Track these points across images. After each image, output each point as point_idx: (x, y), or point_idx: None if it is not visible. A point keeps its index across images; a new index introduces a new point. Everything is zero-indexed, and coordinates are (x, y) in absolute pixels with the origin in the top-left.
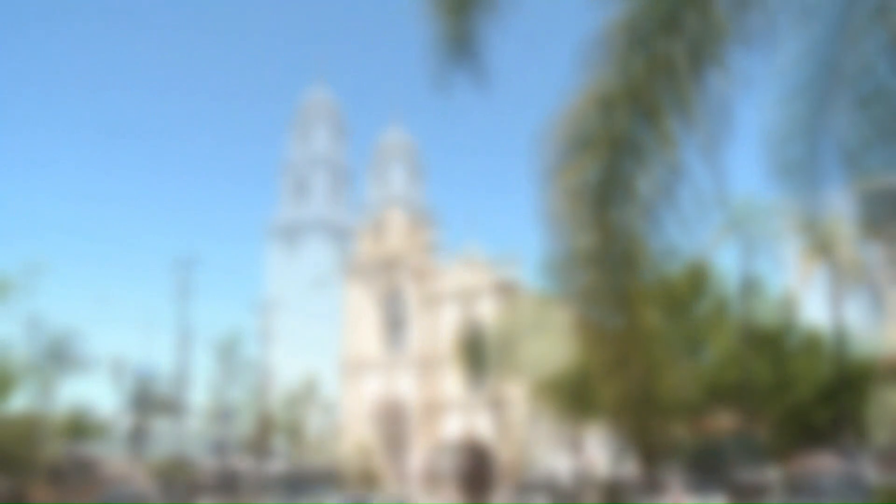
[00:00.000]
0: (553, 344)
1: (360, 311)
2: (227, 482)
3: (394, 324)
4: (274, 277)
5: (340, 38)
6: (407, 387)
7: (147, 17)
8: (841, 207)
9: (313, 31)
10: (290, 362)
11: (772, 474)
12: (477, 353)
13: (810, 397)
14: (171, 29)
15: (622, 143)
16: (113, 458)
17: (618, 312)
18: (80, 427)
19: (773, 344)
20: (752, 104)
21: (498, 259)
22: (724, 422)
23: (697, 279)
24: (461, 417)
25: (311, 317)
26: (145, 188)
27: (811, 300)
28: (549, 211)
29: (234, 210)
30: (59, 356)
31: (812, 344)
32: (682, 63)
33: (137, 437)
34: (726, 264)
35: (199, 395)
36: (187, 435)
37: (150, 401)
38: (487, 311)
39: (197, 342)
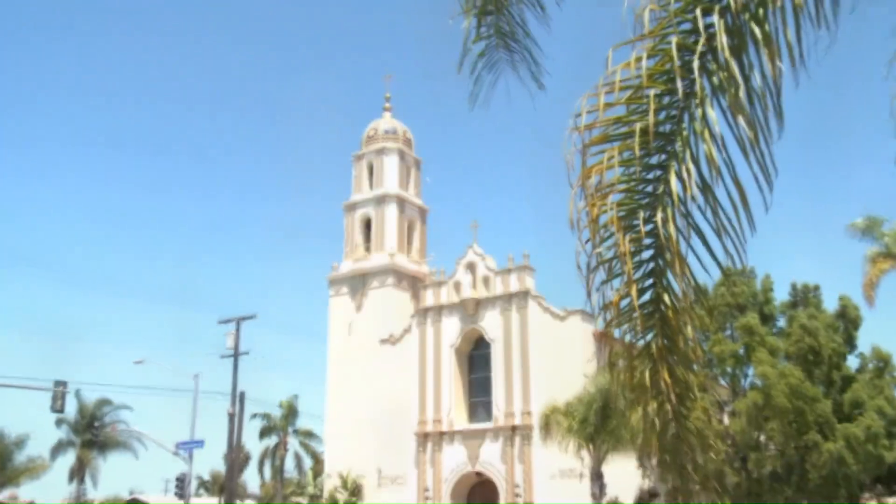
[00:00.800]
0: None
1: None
2: None
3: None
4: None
5: (408, 64)
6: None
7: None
8: None
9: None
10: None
11: None
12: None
13: None
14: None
15: (655, 135)
16: None
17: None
18: None
19: None
20: (812, 88)
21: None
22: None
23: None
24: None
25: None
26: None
27: None
28: (571, 215)
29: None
30: (94, 431)
31: None
32: (724, 40)
33: None
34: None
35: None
36: None
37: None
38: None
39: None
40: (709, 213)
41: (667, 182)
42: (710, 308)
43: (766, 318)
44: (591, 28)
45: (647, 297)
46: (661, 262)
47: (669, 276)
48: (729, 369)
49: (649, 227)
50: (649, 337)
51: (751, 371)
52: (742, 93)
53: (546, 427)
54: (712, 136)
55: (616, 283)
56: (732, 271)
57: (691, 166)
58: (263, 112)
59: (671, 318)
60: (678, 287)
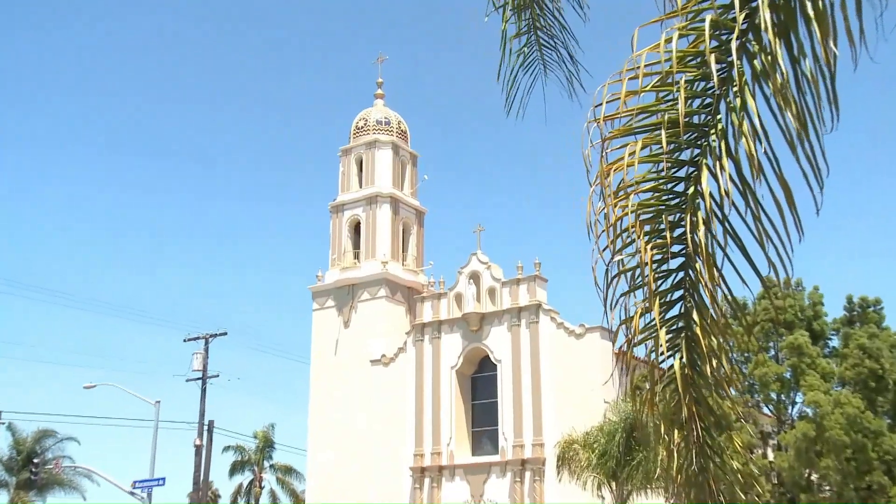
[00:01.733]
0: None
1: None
2: None
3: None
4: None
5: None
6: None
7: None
8: None
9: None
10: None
11: None
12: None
13: None
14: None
15: (686, 126)
16: None
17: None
18: None
19: None
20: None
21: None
22: None
23: None
24: None
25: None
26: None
27: None
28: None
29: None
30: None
31: None
32: (767, 17)
33: None
34: None
35: None
36: None
37: None
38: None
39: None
40: (748, 217)
41: (699, 181)
42: (750, 325)
43: (817, 337)
44: (613, 4)
45: (673, 312)
46: (690, 272)
47: (700, 288)
48: (773, 395)
49: (678, 231)
50: (675, 358)
51: (799, 398)
52: (789, 78)
53: (563, 461)
54: (753, 128)
55: (639, 295)
56: (776, 283)
57: (728, 163)
58: (234, 100)
59: (701, 336)
60: (710, 301)
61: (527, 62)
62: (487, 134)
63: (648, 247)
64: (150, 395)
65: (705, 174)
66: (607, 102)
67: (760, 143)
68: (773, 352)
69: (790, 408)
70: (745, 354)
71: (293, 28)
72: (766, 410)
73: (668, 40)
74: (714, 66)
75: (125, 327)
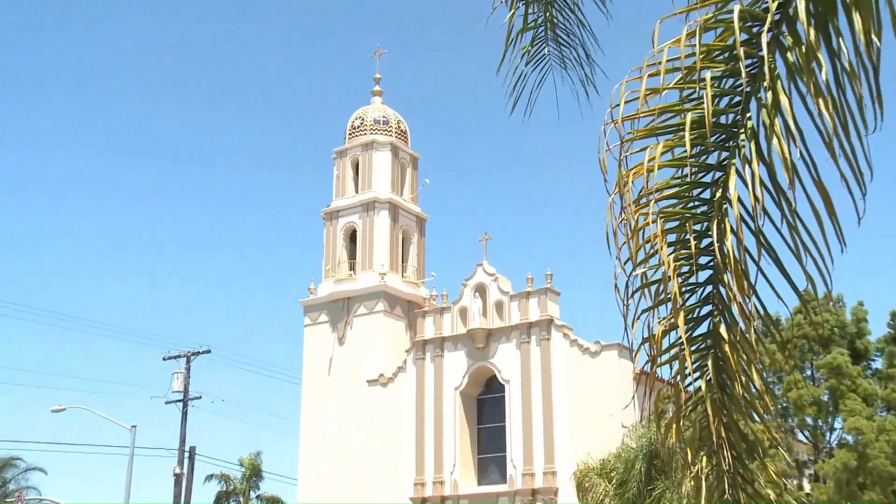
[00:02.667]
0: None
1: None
2: None
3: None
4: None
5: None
6: None
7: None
8: None
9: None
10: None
11: None
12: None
13: None
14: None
15: (713, 127)
16: None
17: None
18: None
19: None
20: None
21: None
22: None
23: None
24: None
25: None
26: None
27: None
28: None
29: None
30: None
31: None
32: (802, 5)
33: None
34: None
35: None
36: None
37: None
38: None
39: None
40: (783, 226)
41: (727, 186)
42: (785, 342)
43: (859, 356)
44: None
45: (701, 329)
46: (719, 285)
47: (730, 303)
48: (810, 420)
49: (705, 242)
50: (702, 379)
51: (839, 423)
52: (827, 74)
53: (578, 491)
54: (787, 128)
55: (663, 311)
56: (813, 297)
57: (759, 166)
58: (215, 96)
59: (730, 354)
60: (741, 316)
61: (536, 57)
62: (495, 134)
63: (673, 258)
64: (125, 419)
65: (734, 179)
66: (626, 102)
67: (795, 144)
68: (809, 372)
69: (828, 434)
70: (779, 375)
71: (285, 21)
72: (801, 437)
73: (693, 34)
74: (744, 62)
75: (98, 345)
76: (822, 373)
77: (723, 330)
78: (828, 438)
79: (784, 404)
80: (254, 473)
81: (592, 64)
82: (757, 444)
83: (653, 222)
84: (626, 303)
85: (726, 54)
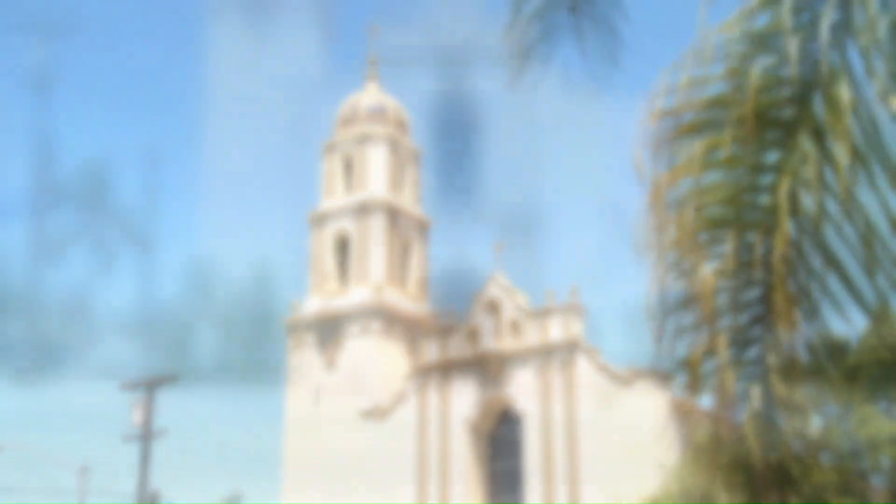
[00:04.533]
0: None
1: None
2: None
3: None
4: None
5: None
6: None
7: None
8: None
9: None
10: None
11: None
12: None
13: None
14: None
15: (765, 123)
16: None
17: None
18: None
19: None
20: None
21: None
22: None
23: None
24: None
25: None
26: None
27: None
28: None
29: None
30: None
31: None
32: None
33: None
34: None
35: None
36: None
37: None
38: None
39: None
40: (852, 236)
41: (783, 191)
42: (854, 369)
43: None
44: None
45: (748, 353)
46: (771, 304)
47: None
48: (886, 461)
49: (755, 253)
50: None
51: None
52: None
53: None
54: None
55: (703, 332)
56: (891, 317)
57: (822, 168)
58: (187, 82)
59: (782, 385)
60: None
61: (547, 27)
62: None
63: (717, 273)
64: (74, 459)
65: (791, 182)
66: (667, 94)
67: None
68: (884, 404)
69: None
70: (846, 408)
71: None
72: (876, 481)
73: (743, 16)
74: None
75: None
76: None
77: (774, 356)
78: None
79: (853, 443)
80: None
81: (617, 41)
82: (823, 490)
83: (695, 231)
84: (660, 325)
85: (783, 40)
